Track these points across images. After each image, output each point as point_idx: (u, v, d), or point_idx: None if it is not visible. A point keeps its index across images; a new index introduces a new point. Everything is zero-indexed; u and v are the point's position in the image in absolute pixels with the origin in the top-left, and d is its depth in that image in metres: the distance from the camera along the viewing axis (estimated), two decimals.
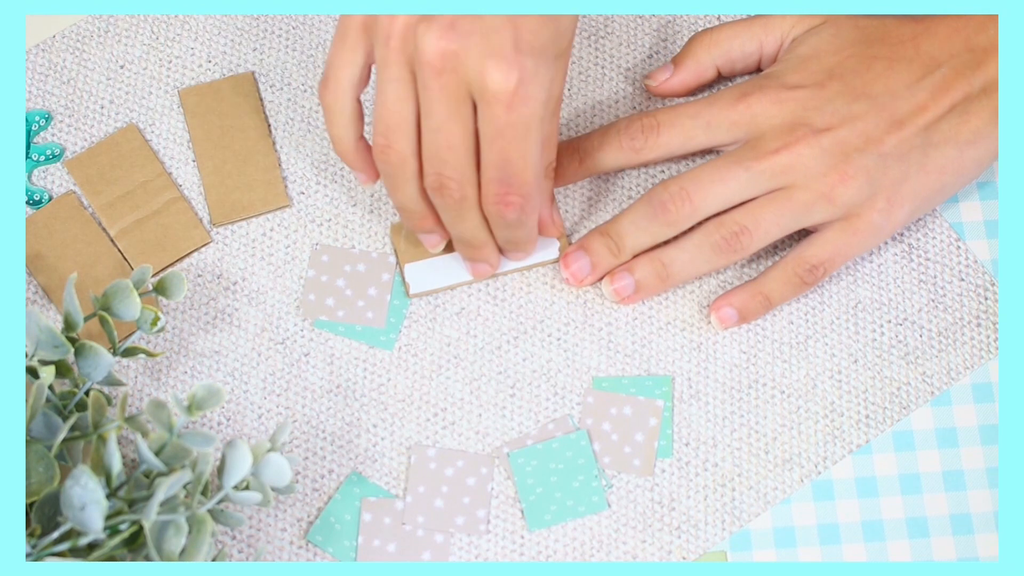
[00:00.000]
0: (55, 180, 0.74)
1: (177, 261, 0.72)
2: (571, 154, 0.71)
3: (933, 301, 0.72)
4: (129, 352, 0.66)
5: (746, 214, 0.68)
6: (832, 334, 0.72)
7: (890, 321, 0.72)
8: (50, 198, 0.73)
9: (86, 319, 0.66)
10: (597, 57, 0.77)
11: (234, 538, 0.68)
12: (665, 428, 0.70)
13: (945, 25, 0.69)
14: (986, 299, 0.72)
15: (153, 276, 0.72)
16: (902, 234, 0.73)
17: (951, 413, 0.70)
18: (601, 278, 0.71)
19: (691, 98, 0.75)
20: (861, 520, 0.69)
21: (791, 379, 0.71)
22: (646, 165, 0.73)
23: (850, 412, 0.70)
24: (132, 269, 0.72)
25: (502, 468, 0.69)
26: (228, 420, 0.70)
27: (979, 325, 0.72)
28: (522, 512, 0.69)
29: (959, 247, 0.73)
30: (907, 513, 0.69)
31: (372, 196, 0.74)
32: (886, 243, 0.73)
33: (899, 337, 0.72)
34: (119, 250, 0.72)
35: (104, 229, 0.73)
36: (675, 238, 0.70)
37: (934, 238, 0.73)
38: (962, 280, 0.73)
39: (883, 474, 0.70)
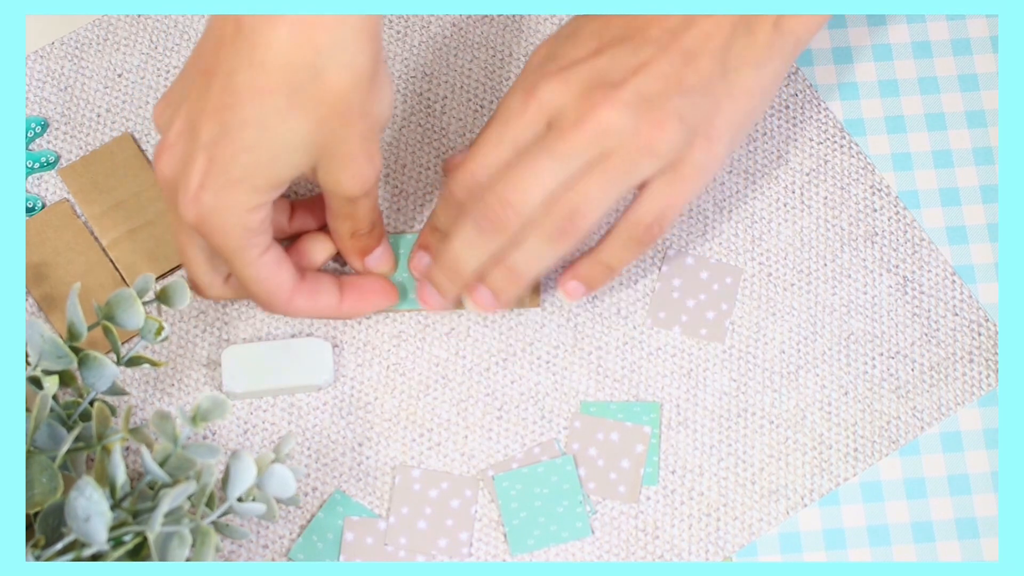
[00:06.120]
0: (49, 188, 0.74)
1: (169, 272, 0.72)
2: (449, 277, 0.68)
3: (926, 335, 0.72)
4: (133, 362, 0.66)
5: (572, 196, 0.64)
6: (823, 365, 0.71)
7: (882, 354, 0.71)
8: (43, 206, 0.73)
9: (89, 328, 0.65)
10: None
11: (217, 552, 0.68)
12: (652, 455, 0.70)
13: None
14: (980, 335, 0.72)
15: None
16: (897, 266, 0.73)
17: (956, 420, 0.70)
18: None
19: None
20: (867, 525, 0.69)
21: (780, 409, 0.70)
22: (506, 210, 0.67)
23: (839, 445, 0.70)
24: (124, 279, 0.72)
25: (486, 491, 0.69)
26: (213, 434, 0.70)
27: (972, 361, 0.71)
28: (505, 536, 0.68)
29: (954, 281, 0.72)
30: (912, 518, 0.69)
31: None
32: (881, 275, 0.72)
33: (891, 370, 0.71)
34: (111, 260, 0.72)
35: (96, 238, 0.73)
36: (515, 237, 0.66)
37: (929, 271, 0.73)
38: (956, 315, 0.72)
39: (888, 478, 0.70)
